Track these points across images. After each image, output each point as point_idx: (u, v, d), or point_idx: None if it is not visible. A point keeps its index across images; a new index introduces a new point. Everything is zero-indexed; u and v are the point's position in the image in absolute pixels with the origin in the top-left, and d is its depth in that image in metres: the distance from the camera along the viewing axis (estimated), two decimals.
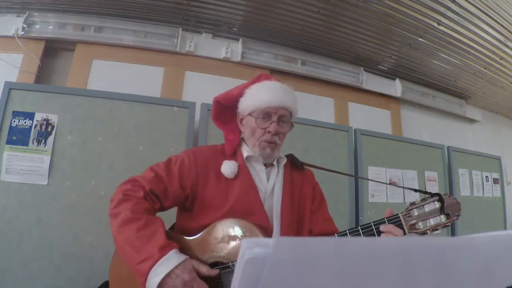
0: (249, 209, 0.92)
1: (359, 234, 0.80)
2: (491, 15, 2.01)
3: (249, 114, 0.98)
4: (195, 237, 0.90)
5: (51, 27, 1.95)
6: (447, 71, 2.69)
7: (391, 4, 1.90)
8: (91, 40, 2.00)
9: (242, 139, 1.05)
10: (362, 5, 1.92)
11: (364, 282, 0.25)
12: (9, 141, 1.54)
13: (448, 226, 0.78)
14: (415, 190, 0.89)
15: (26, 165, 1.53)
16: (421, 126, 2.96)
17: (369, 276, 0.25)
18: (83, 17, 2.01)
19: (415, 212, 0.79)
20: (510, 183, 3.36)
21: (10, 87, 1.59)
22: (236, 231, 0.87)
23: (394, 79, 2.78)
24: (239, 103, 1.01)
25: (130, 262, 0.77)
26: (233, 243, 0.86)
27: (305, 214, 1.02)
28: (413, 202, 0.82)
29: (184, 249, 0.85)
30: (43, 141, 1.57)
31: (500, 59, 2.48)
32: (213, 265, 0.85)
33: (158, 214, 0.91)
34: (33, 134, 1.57)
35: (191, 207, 0.95)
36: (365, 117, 2.64)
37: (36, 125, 1.58)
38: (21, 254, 1.45)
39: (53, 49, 2.02)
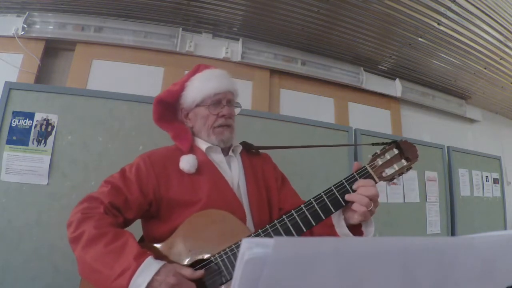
0: (224, 202, 0.88)
1: (333, 194, 0.80)
2: (491, 15, 2.01)
3: (198, 105, 0.98)
4: (165, 242, 0.83)
5: (51, 27, 1.95)
6: (447, 71, 2.69)
7: (391, 4, 1.91)
8: (91, 40, 2.00)
9: (193, 135, 1.03)
10: (362, 5, 1.92)
11: (364, 282, 0.25)
12: (9, 141, 1.54)
13: (411, 168, 0.82)
14: (373, 144, 0.93)
15: (26, 165, 1.53)
16: (421, 126, 2.96)
17: (369, 276, 0.25)
18: (83, 17, 2.01)
19: (379, 162, 0.82)
20: (510, 183, 3.36)
21: (10, 87, 1.59)
22: (211, 221, 0.83)
23: (394, 79, 2.79)
24: (182, 97, 1.00)
25: (104, 282, 0.69)
26: (211, 236, 0.81)
27: (272, 195, 1.01)
28: (375, 153, 0.84)
29: (159, 257, 0.78)
30: (43, 141, 1.57)
31: (500, 59, 2.48)
32: (193, 265, 0.80)
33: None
34: (33, 134, 1.56)
35: (157, 213, 0.89)
36: (365, 117, 2.64)
37: (36, 125, 1.58)
38: (21, 254, 1.45)
39: (53, 49, 2.02)
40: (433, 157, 2.58)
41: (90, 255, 0.71)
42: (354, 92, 2.64)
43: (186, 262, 0.80)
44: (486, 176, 2.92)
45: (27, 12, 1.93)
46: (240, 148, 1.04)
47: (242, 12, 2.03)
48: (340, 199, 0.79)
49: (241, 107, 1.06)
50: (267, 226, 0.81)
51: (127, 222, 0.87)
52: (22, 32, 1.89)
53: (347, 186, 0.80)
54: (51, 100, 1.62)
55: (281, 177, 1.09)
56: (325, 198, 0.80)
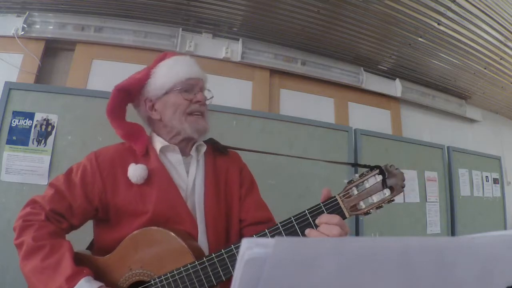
0: (172, 213, 0.81)
1: (293, 226, 0.69)
2: (491, 15, 2.01)
3: (167, 93, 0.88)
4: (108, 255, 0.79)
5: (51, 27, 1.95)
6: (447, 71, 2.69)
7: (391, 4, 1.90)
8: (91, 40, 2.00)
9: (153, 133, 0.95)
10: (362, 5, 1.92)
11: (364, 282, 0.25)
12: (9, 141, 1.54)
13: (393, 201, 0.68)
14: (352, 165, 0.83)
15: (26, 165, 1.53)
16: (421, 126, 2.96)
17: (369, 276, 0.25)
18: (83, 17, 2.01)
19: (355, 191, 0.68)
20: (510, 183, 3.36)
21: (10, 87, 1.59)
22: (153, 240, 0.77)
23: (394, 79, 2.78)
24: (147, 86, 0.91)
25: None
26: (152, 256, 0.76)
27: (233, 203, 0.91)
28: (351, 180, 0.71)
29: (98, 272, 0.76)
30: (43, 141, 1.57)
31: (500, 59, 2.48)
32: (135, 285, 0.77)
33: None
34: (33, 134, 1.57)
35: (107, 218, 0.83)
36: (365, 117, 2.64)
37: (36, 125, 1.58)
38: None
39: (53, 49, 2.02)
40: (433, 157, 2.57)
41: (28, 268, 0.72)
42: (354, 92, 2.63)
43: (125, 280, 0.77)
44: (486, 176, 2.92)
45: (27, 12, 1.93)
46: (204, 147, 0.94)
47: (242, 12, 2.03)
48: (300, 234, 0.68)
49: (213, 97, 0.96)
50: (209, 255, 0.74)
51: (74, 227, 0.84)
52: (22, 32, 1.88)
53: (309, 219, 0.68)
54: (51, 100, 1.62)
55: (249, 182, 0.97)
56: (282, 231, 0.69)
